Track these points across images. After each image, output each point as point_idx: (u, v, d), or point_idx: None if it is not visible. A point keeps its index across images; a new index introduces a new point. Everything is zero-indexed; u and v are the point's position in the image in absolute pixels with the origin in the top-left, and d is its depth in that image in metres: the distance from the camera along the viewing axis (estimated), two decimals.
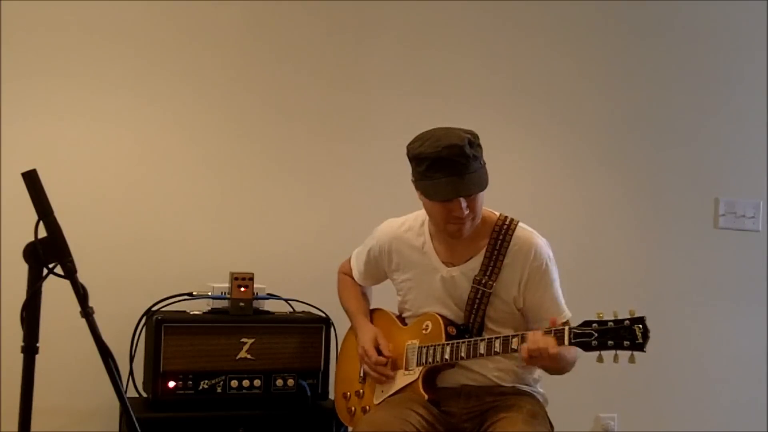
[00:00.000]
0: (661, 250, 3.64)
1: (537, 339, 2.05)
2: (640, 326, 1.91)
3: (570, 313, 2.31)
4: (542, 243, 2.32)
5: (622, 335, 1.92)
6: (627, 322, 1.93)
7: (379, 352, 2.41)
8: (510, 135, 3.41)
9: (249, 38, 3.14)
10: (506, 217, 2.34)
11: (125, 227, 2.96)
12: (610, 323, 1.95)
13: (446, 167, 2.12)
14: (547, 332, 2.05)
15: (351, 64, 3.26)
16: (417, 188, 2.25)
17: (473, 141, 2.16)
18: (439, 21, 3.35)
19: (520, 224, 2.33)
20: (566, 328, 2.02)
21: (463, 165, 2.12)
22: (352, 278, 2.65)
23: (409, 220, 2.47)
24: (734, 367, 3.72)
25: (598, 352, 1.96)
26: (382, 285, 2.62)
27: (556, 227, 2.61)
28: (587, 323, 1.99)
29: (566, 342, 2.00)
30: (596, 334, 1.96)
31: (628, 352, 1.92)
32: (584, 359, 2.08)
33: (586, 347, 1.97)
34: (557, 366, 2.15)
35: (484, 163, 2.21)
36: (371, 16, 3.27)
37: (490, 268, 2.28)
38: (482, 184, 2.19)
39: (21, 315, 1.68)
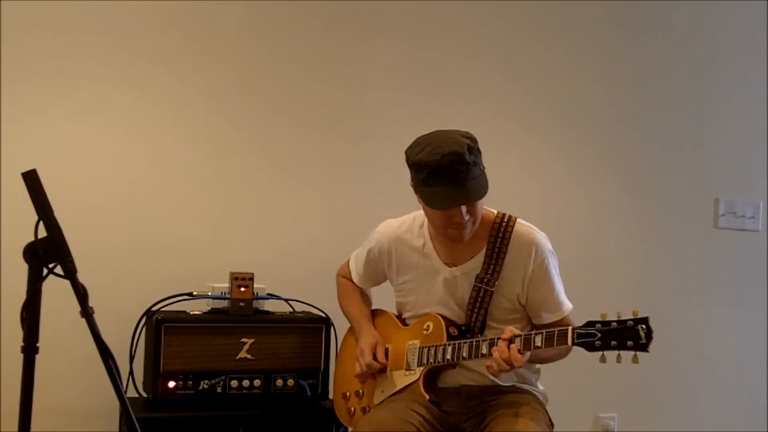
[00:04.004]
0: (661, 249, 3.64)
1: (503, 357, 2.07)
2: (644, 327, 1.90)
3: (570, 304, 2.32)
4: (542, 237, 2.32)
5: (626, 336, 1.92)
6: (630, 322, 1.93)
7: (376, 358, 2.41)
8: (510, 135, 3.41)
9: (249, 39, 3.13)
10: (504, 214, 2.33)
11: (125, 227, 2.96)
12: (614, 324, 1.95)
13: (446, 176, 2.10)
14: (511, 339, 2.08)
15: (351, 64, 3.25)
16: (417, 193, 2.23)
17: (472, 146, 2.14)
18: (439, 21, 3.34)
19: (519, 220, 2.33)
20: (569, 328, 2.02)
21: (463, 172, 2.10)
22: (351, 281, 2.63)
23: (407, 220, 2.46)
24: (734, 367, 3.72)
25: (601, 353, 1.96)
26: (382, 285, 2.61)
27: (556, 227, 2.60)
28: (591, 323, 1.99)
29: (569, 342, 2.00)
30: (599, 335, 1.96)
31: (632, 353, 1.92)
32: (584, 359, 2.07)
33: (590, 347, 1.97)
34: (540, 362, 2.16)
35: (484, 168, 2.19)
36: (371, 17, 3.26)
37: (492, 266, 2.28)
38: (483, 190, 2.17)
39: (21, 315, 1.68)
